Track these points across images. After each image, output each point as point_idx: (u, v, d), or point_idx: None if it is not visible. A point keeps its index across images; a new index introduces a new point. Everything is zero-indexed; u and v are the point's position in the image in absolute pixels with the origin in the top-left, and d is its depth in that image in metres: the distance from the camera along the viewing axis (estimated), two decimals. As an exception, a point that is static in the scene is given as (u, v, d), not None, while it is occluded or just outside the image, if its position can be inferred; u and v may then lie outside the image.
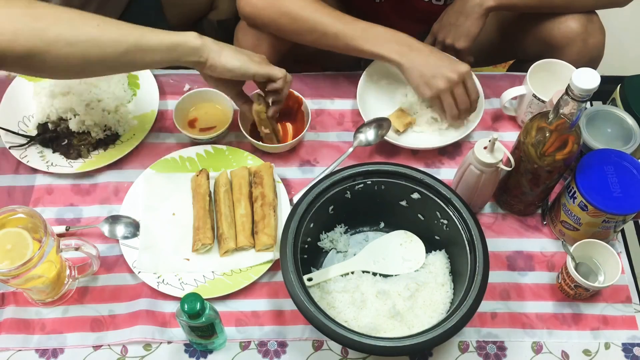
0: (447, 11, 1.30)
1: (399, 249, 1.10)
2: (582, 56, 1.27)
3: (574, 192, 1.05)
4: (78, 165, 1.19)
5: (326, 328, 0.91)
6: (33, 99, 1.26)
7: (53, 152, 1.21)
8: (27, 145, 1.21)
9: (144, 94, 1.28)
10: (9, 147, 1.20)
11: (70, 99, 1.21)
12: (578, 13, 1.25)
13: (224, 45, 1.07)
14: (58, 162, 1.20)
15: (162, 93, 1.30)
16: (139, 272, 1.08)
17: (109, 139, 1.22)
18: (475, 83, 1.20)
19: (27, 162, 1.19)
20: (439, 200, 1.04)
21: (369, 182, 1.06)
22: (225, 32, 1.42)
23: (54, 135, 1.21)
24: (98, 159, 1.20)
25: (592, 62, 1.30)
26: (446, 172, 1.22)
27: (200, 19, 1.60)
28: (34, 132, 1.22)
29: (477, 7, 1.23)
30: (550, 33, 1.29)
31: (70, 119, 1.21)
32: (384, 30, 1.17)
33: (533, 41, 1.34)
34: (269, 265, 1.09)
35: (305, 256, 1.05)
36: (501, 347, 1.05)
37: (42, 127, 1.22)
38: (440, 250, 1.09)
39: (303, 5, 1.18)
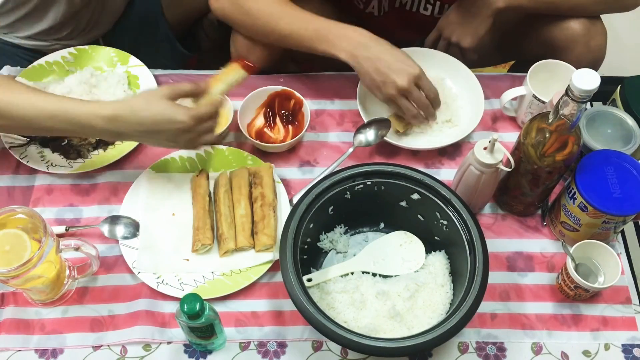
0: (454, 8, 1.30)
1: (398, 250, 1.10)
2: (585, 58, 1.27)
3: (574, 193, 1.05)
4: (78, 165, 1.19)
5: (326, 329, 0.91)
6: None
7: (53, 152, 1.21)
8: (26, 145, 1.21)
9: (144, 94, 1.28)
10: (9, 147, 1.20)
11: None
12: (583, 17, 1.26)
13: (125, 134, 1.04)
14: (58, 162, 1.20)
15: (162, 93, 1.30)
16: (139, 272, 1.08)
17: (109, 139, 1.23)
18: (430, 81, 1.16)
19: (27, 162, 1.19)
20: (438, 201, 1.04)
21: (369, 183, 1.06)
22: (225, 32, 1.42)
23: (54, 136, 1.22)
24: (98, 159, 1.20)
25: (594, 63, 1.30)
26: (446, 173, 1.21)
27: (200, 19, 1.60)
28: (33, 132, 1.23)
29: (486, 8, 1.23)
30: (553, 34, 1.29)
31: (70, 119, 1.21)
32: (338, 29, 1.14)
33: (535, 42, 1.34)
34: (269, 265, 1.09)
35: (305, 257, 1.05)
36: (501, 348, 1.05)
37: (42, 126, 1.22)
38: (440, 250, 1.09)
39: (262, 6, 1.17)
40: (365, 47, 1.13)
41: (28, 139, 1.21)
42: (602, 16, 1.29)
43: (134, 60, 1.32)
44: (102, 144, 1.22)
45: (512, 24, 1.38)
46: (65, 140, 1.21)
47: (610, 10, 1.26)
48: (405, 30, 1.41)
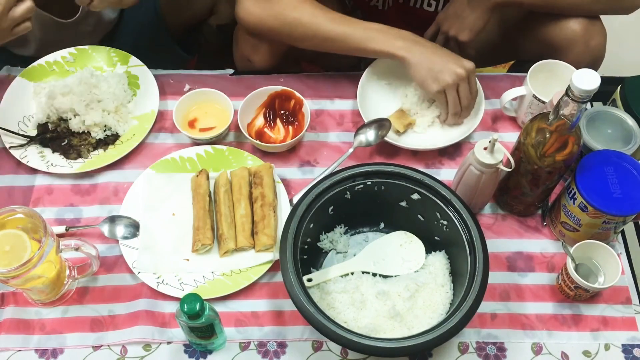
0: (453, 2, 1.30)
1: (398, 250, 1.10)
2: (584, 58, 1.27)
3: (574, 193, 1.05)
4: (78, 166, 1.19)
5: (326, 329, 0.91)
6: (33, 99, 1.26)
7: (53, 152, 1.21)
8: (26, 145, 1.21)
9: (144, 94, 1.28)
10: (9, 147, 1.20)
11: (70, 99, 1.21)
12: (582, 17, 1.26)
13: None
14: (58, 162, 1.20)
15: (162, 93, 1.30)
16: (139, 272, 1.08)
17: (109, 139, 1.22)
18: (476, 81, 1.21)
19: (27, 162, 1.19)
20: (438, 201, 1.04)
21: (369, 183, 1.06)
22: (225, 37, 1.42)
23: (54, 135, 1.22)
24: (98, 159, 1.20)
25: (594, 63, 1.30)
26: (446, 173, 1.21)
27: (200, 24, 1.60)
28: (33, 132, 1.23)
29: (485, 1, 1.23)
30: (552, 34, 1.29)
31: (70, 119, 1.21)
32: (385, 28, 1.18)
33: (534, 42, 1.34)
34: (269, 265, 1.09)
35: (305, 257, 1.05)
36: (501, 348, 1.05)
37: (42, 127, 1.22)
38: (440, 251, 1.09)
39: (302, 13, 1.18)
40: (421, 44, 1.17)
41: (28, 139, 1.21)
42: (602, 16, 1.29)
43: (134, 60, 1.32)
44: (102, 144, 1.22)
45: (511, 22, 1.38)
46: (65, 140, 1.21)
47: (609, 10, 1.26)
48: (407, 26, 1.41)
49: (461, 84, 1.16)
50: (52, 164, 1.19)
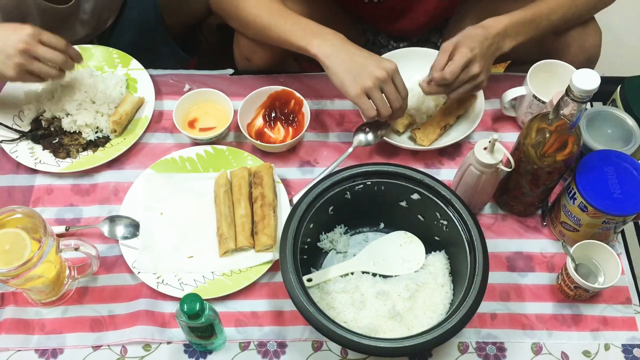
0: (460, 42, 1.27)
1: (398, 250, 1.10)
2: (579, 58, 1.27)
3: (574, 193, 1.05)
4: (65, 165, 1.19)
5: (325, 329, 0.91)
6: (27, 94, 1.26)
7: (43, 150, 1.21)
8: (18, 140, 1.21)
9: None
10: (1, 141, 1.20)
11: (64, 98, 1.21)
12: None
13: None
14: (46, 160, 1.19)
15: (162, 93, 1.30)
16: (139, 272, 1.08)
17: (99, 141, 1.22)
18: (403, 80, 1.13)
19: (17, 157, 1.19)
20: (438, 201, 1.04)
21: (369, 183, 1.06)
22: (224, 36, 1.42)
23: (45, 133, 1.22)
24: (86, 160, 1.20)
25: (589, 63, 1.30)
26: (446, 173, 1.22)
27: (199, 23, 1.60)
28: (27, 128, 1.22)
29: (494, 52, 1.19)
30: (548, 37, 1.29)
31: (63, 117, 1.21)
32: (312, 25, 1.15)
33: (530, 45, 1.34)
34: (269, 265, 1.09)
35: (305, 257, 1.05)
36: (501, 348, 1.05)
37: (36, 123, 1.23)
38: (440, 251, 1.09)
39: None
40: (339, 45, 1.11)
41: (20, 134, 1.21)
42: (601, 16, 1.29)
43: (135, 64, 1.31)
44: (92, 145, 1.22)
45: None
46: (57, 138, 1.21)
47: (598, 7, 1.25)
48: (406, 19, 1.37)
49: (385, 86, 1.10)
50: (40, 161, 1.19)
